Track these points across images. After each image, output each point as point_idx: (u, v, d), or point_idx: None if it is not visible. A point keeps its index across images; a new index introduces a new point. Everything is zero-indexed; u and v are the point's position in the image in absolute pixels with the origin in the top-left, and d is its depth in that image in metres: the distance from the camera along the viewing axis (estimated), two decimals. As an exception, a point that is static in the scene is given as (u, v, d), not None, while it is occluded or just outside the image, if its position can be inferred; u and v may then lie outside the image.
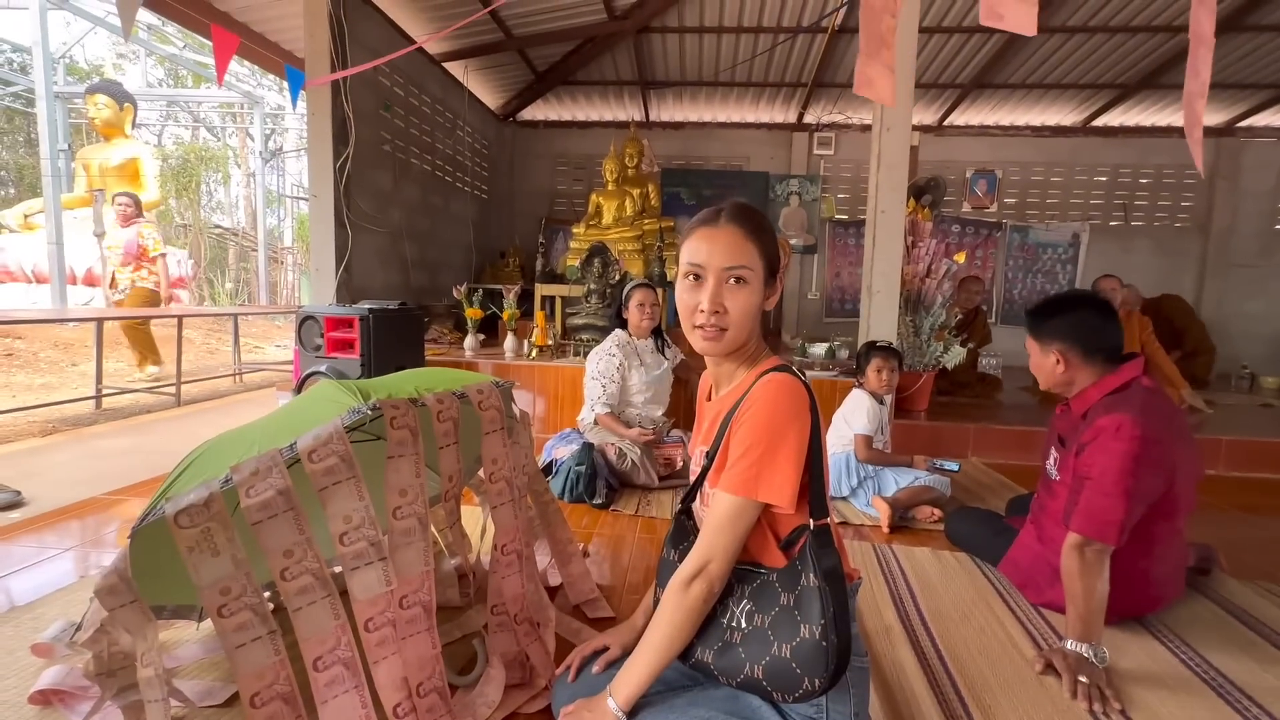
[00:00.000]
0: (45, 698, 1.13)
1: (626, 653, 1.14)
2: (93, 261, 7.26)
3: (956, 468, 2.39)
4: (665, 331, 2.84)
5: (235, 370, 5.35)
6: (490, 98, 6.06)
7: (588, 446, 2.40)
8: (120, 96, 8.64)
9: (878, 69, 1.49)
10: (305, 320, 2.77)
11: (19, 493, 2.24)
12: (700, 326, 0.97)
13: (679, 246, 1.04)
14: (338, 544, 0.97)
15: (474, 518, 1.86)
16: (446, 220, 5.19)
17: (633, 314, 2.72)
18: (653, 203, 4.85)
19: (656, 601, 1.05)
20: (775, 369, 0.96)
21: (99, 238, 6.98)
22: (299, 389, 2.80)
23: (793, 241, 6.40)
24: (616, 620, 1.51)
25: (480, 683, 1.19)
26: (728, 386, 1.04)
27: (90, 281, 7.36)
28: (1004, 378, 4.30)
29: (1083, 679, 1.26)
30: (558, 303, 4.01)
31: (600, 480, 2.35)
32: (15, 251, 7.37)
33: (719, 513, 0.92)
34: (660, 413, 2.79)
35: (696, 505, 1.06)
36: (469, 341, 3.64)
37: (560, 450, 2.51)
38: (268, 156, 11.76)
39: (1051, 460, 1.65)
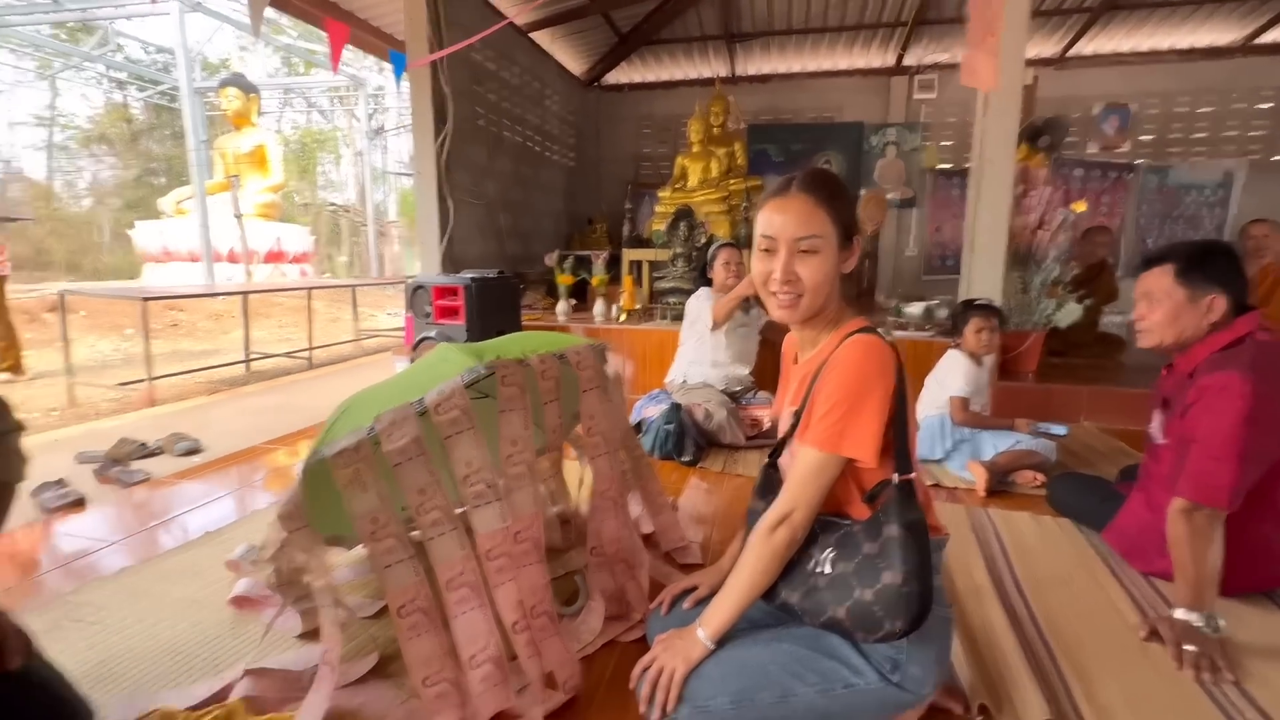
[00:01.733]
0: (240, 603, 1.40)
1: (714, 592, 1.23)
2: (233, 241, 8.15)
3: (1064, 432, 2.27)
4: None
5: (355, 337, 5.91)
6: (575, 64, 6.11)
7: (676, 406, 2.50)
8: (247, 88, 9.49)
9: (982, 58, 1.42)
10: (416, 290, 3.02)
11: (198, 441, 2.65)
12: (775, 294, 1.01)
13: (754, 218, 1.07)
14: (461, 486, 1.12)
15: (572, 470, 2.02)
16: (537, 190, 5.36)
17: (718, 273, 2.76)
18: (739, 162, 4.76)
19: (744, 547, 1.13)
20: (860, 330, 0.99)
21: (238, 219, 7.81)
22: (413, 355, 3.07)
23: (889, 196, 6.06)
24: (704, 566, 1.61)
25: (583, 613, 1.34)
26: (812, 350, 1.07)
27: (233, 259, 8.28)
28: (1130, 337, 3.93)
29: (1190, 647, 1.22)
30: (644, 267, 4.08)
31: (688, 438, 2.44)
32: (172, 235, 8.40)
33: (804, 466, 0.97)
34: (746, 371, 2.84)
35: (783, 459, 1.12)
36: (561, 307, 3.81)
37: (649, 410, 2.63)
38: (372, 136, 12.53)
39: (1156, 424, 1.55)
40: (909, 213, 6.22)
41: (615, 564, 1.38)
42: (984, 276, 3.01)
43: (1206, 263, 1.41)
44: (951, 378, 2.34)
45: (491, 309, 2.99)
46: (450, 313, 2.93)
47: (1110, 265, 4.22)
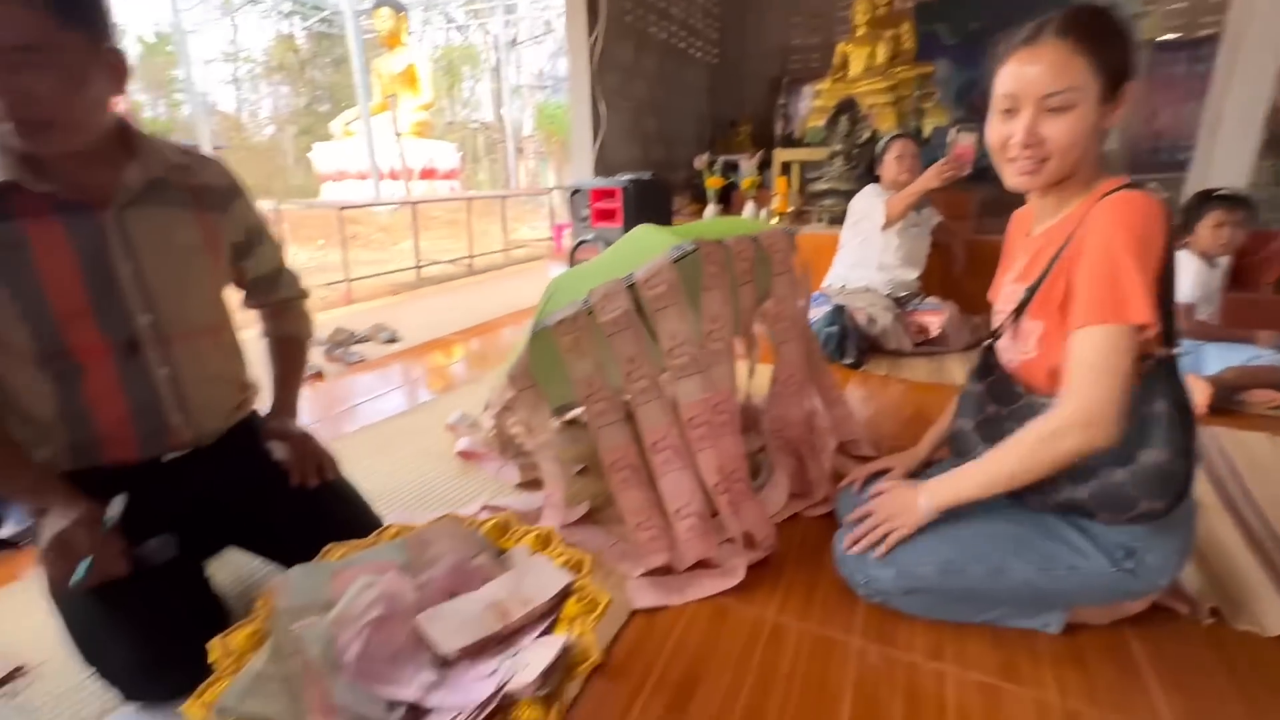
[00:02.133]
0: (465, 456, 1.62)
1: (909, 474, 1.23)
2: (394, 159, 8.78)
3: (1322, 346, 1.92)
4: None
5: (504, 247, 6.26)
6: (721, -53, 5.64)
7: (838, 308, 2.42)
8: (397, 7, 9.86)
9: None
10: (575, 193, 3.11)
11: (395, 331, 3.02)
12: (1013, 160, 0.90)
13: (993, 74, 0.94)
14: (666, 358, 1.18)
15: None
16: (680, 91, 5.17)
17: (889, 168, 2.55)
18: (906, 46, 4.24)
19: (956, 434, 1.09)
20: (1122, 186, 0.88)
21: (398, 138, 8.36)
22: (572, 258, 3.21)
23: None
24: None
25: (767, 488, 1.40)
26: (1054, 218, 0.97)
27: (394, 176, 8.95)
28: None
29: None
30: (795, 168, 3.86)
31: (850, 341, 2.38)
32: (343, 155, 9.21)
33: (1088, 354, 0.82)
34: (913, 275, 2.66)
35: (1003, 342, 1.05)
36: (709, 211, 3.75)
37: (811, 312, 2.57)
38: (507, 48, 12.64)
39: None
40: (1112, 99, 5.24)
41: (800, 445, 1.42)
42: (1228, 165, 2.51)
43: None
44: (1178, 279, 2.03)
45: (646, 211, 3.02)
46: (607, 215, 3.00)
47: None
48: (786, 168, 3.78)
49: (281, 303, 1.21)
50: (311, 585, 0.74)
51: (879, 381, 2.23)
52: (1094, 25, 0.85)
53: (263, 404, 1.19)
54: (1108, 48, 0.85)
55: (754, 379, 1.81)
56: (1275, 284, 2.69)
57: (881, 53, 4.04)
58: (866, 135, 3.39)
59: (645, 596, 1.08)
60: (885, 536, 1.01)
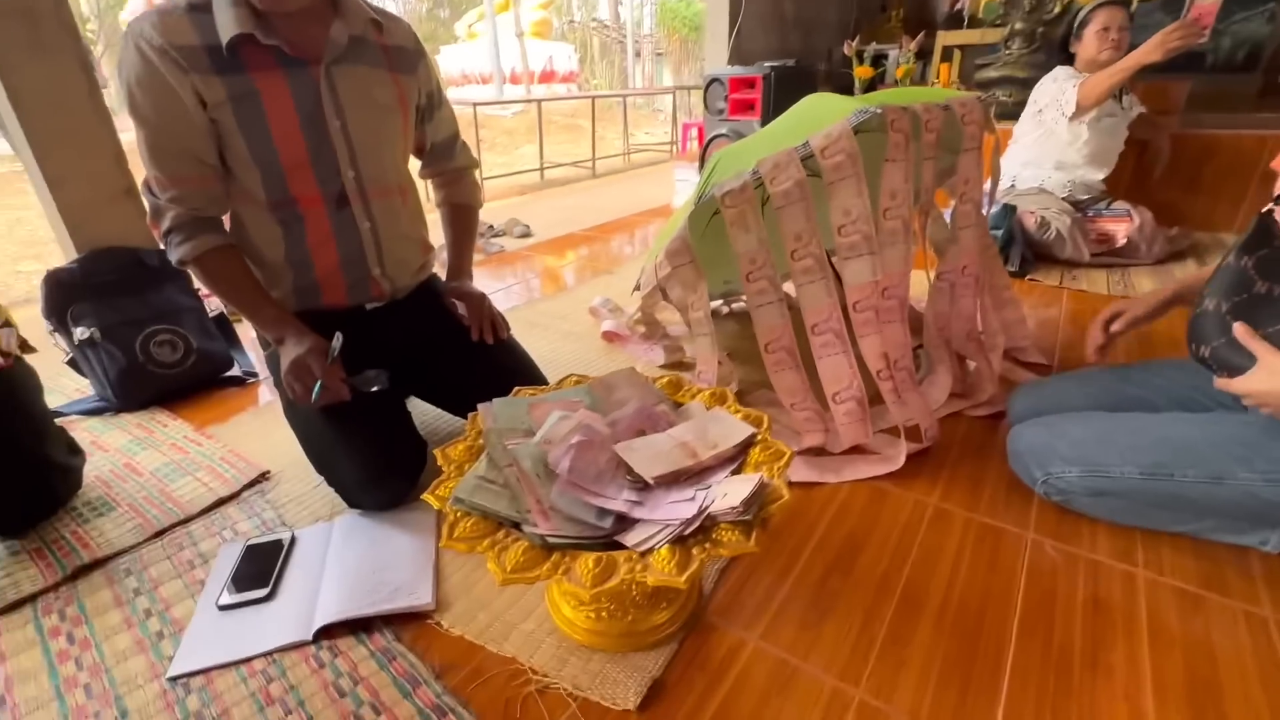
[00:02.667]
0: (609, 337, 1.68)
1: (1149, 313, 1.07)
2: (514, 61, 8.75)
3: None
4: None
5: (625, 150, 6.15)
6: None
7: (1007, 208, 2.17)
8: (520, -102, 9.44)
9: None
10: (711, 83, 2.94)
11: (529, 226, 3.11)
12: None
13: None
14: (836, 235, 1.12)
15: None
16: (824, -30, 4.63)
17: (1088, 44, 2.16)
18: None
19: (1200, 316, 0.91)
20: None
21: (519, 38, 8.28)
22: (704, 155, 3.08)
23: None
24: (1050, 368, 1.48)
25: (925, 383, 1.33)
26: None
27: (515, 80, 8.95)
28: None
29: None
30: (958, 55, 3.40)
31: (1015, 246, 2.14)
32: (467, 58, 9.29)
33: None
34: (1100, 177, 2.31)
35: None
36: (853, 106, 3.43)
37: (969, 214, 2.33)
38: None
39: None
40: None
41: (966, 343, 1.32)
42: None
43: None
44: None
45: (788, 102, 2.80)
46: (746, 107, 2.83)
47: None
48: (949, 53, 3.33)
49: (456, 171, 1.26)
50: (513, 414, 0.80)
51: (1049, 292, 2.01)
52: None
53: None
54: None
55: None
56: None
57: (1086, -95, 3.33)
58: (1057, 8, 2.89)
59: (801, 472, 1.09)
60: None
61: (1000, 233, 2.13)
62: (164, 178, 0.93)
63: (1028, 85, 2.51)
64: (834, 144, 1.08)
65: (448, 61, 9.66)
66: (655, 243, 1.44)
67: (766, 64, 2.79)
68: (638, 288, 1.47)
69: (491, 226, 3.06)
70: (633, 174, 5.28)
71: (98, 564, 0.94)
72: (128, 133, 1.04)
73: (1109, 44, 2.11)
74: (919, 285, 1.49)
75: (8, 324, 1.00)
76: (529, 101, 5.19)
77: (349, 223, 1.04)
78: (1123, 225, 2.23)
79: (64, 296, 1.33)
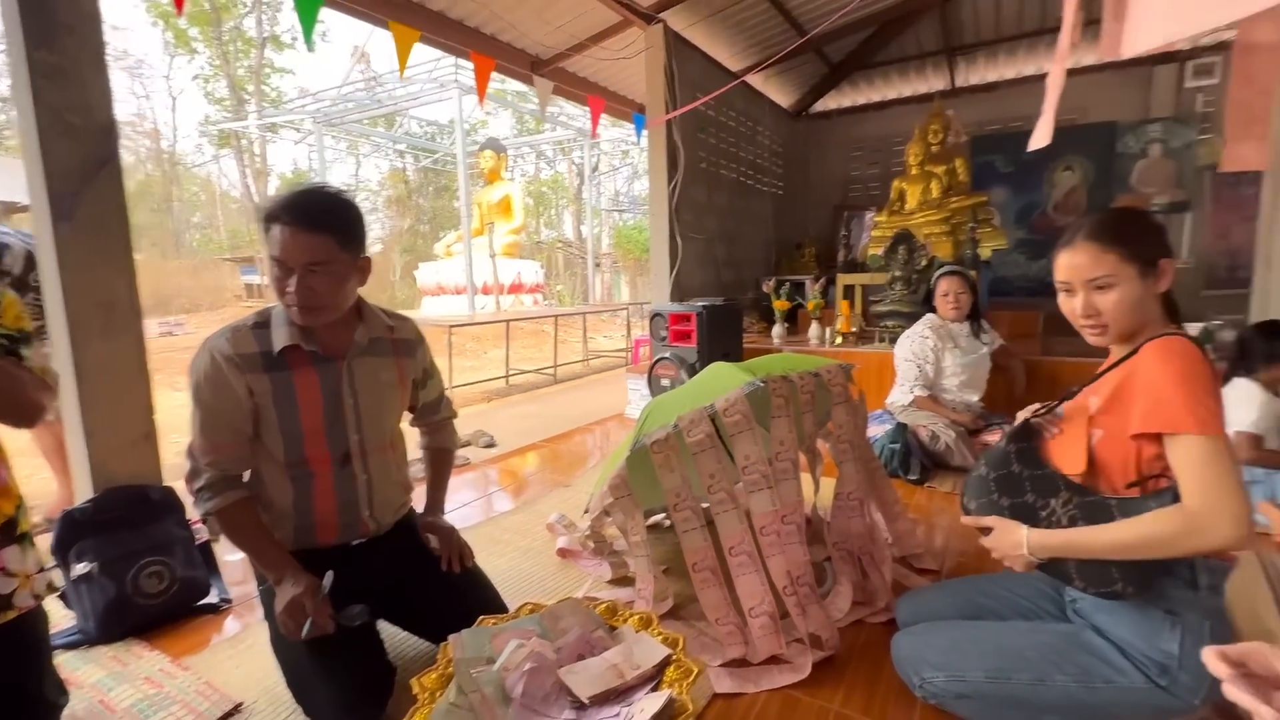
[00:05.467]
0: (563, 553, 1.87)
1: None
2: (486, 276, 9.80)
3: (1402, 477, 1.91)
4: (982, 315, 2.81)
5: (585, 357, 6.78)
6: (784, 97, 6.38)
7: (900, 426, 2.59)
8: (499, 149, 11.38)
9: (1250, 146, 1.40)
10: (654, 317, 3.50)
11: (493, 436, 3.40)
12: (1084, 326, 1.11)
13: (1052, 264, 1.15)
14: (742, 474, 1.43)
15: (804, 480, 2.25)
16: (748, 220, 5.70)
17: (939, 303, 2.77)
18: (961, 179, 4.58)
19: (974, 478, 1.20)
20: (1166, 333, 1.05)
21: (492, 259, 9.38)
22: (650, 372, 3.54)
23: (1155, 200, 5.28)
24: (940, 574, 1.73)
25: (832, 595, 1.56)
26: (1117, 355, 1.14)
27: (486, 291, 9.92)
28: None
29: None
30: (858, 291, 4.15)
31: (914, 458, 2.52)
32: (444, 273, 10.35)
33: (1198, 462, 0.93)
34: (976, 398, 2.79)
35: (1054, 423, 1.19)
36: (776, 330, 4.06)
37: (873, 429, 2.74)
38: (590, 176, 14.10)
39: None
40: (1180, 218, 5.33)
41: (860, 556, 1.58)
42: (1285, 294, 2.60)
43: None
44: (1241, 410, 2.10)
45: (718, 333, 3.35)
46: (684, 336, 3.35)
47: None
48: (849, 291, 4.07)
49: (439, 421, 1.56)
50: (478, 642, 0.99)
51: (944, 498, 2.34)
52: (1118, 228, 1.07)
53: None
54: (1134, 241, 1.06)
55: (820, 493, 2.00)
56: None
57: (936, 187, 4.39)
58: (924, 263, 3.67)
59: (724, 683, 1.26)
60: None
61: (898, 446, 2.52)
62: (207, 445, 1.19)
63: (912, 318, 3.11)
64: (732, 406, 1.43)
65: (425, 275, 10.73)
66: (601, 472, 1.72)
67: (699, 303, 3.38)
68: (587, 510, 1.72)
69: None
70: (591, 379, 5.79)
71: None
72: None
73: (950, 305, 2.71)
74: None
75: (42, 568, 1.16)
76: (497, 322, 5.81)
77: (349, 476, 1.29)
78: (997, 435, 2.66)
79: (74, 534, 1.49)
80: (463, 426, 3.61)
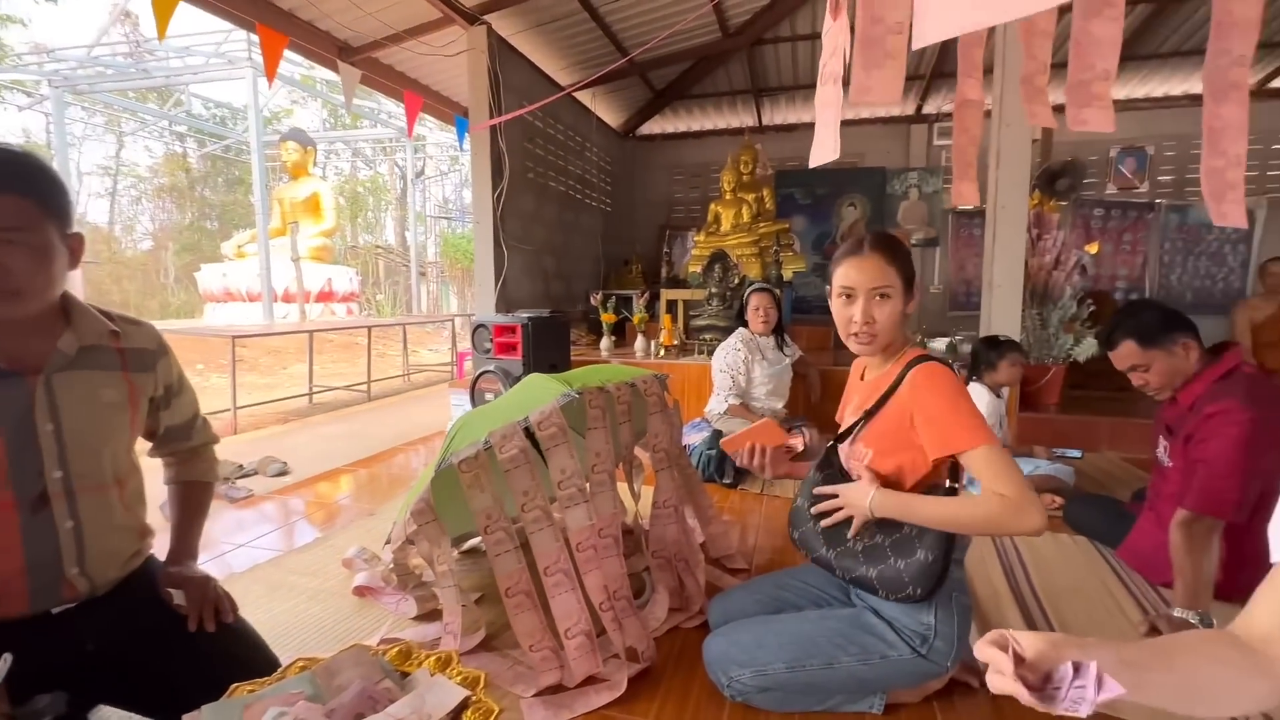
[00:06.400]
0: (361, 591, 1.65)
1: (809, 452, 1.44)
2: (289, 281, 8.72)
3: (1078, 455, 2.44)
4: (785, 330, 3.09)
5: (405, 372, 6.27)
6: (613, 117, 6.56)
7: (716, 433, 2.73)
8: (305, 141, 10.22)
9: (967, 185, 1.72)
10: (478, 328, 3.33)
11: (285, 463, 2.96)
12: (855, 334, 1.21)
13: (831, 271, 1.26)
14: (556, 489, 1.37)
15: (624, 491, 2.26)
16: (577, 234, 5.74)
17: (750, 316, 3.01)
18: (768, 206, 5.07)
19: (795, 510, 1.33)
20: (924, 358, 1.19)
21: (295, 262, 8.37)
22: (473, 386, 3.36)
23: (913, 236, 6.31)
24: (750, 572, 1.83)
25: (650, 605, 1.56)
26: (878, 371, 1.28)
27: (288, 299, 8.82)
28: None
29: (1185, 639, 1.39)
30: (680, 306, 4.37)
31: (728, 463, 2.66)
32: (234, 277, 9.00)
33: (995, 467, 1.06)
34: (780, 405, 3.05)
35: (844, 446, 1.31)
36: (604, 343, 4.10)
37: (691, 437, 2.86)
38: (414, 180, 13.28)
39: (1162, 449, 1.73)
40: (932, 251, 6.44)
41: (676, 563, 1.61)
42: (1003, 313, 3.21)
43: (1153, 324, 1.62)
44: (974, 408, 2.53)
45: (544, 345, 3.28)
46: (509, 349, 3.23)
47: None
48: (672, 306, 4.26)
49: (191, 450, 1.29)
50: (225, 719, 0.81)
51: (754, 499, 2.50)
52: (895, 245, 1.22)
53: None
54: (905, 263, 1.21)
55: (640, 503, 2.01)
56: (1055, 405, 3.36)
57: (746, 212, 4.80)
58: (737, 281, 3.97)
59: (537, 713, 1.18)
60: (833, 516, 1.23)
61: (714, 452, 2.65)
62: None
63: (727, 331, 3.32)
64: (547, 419, 1.37)
65: (210, 279, 9.22)
66: (406, 497, 1.56)
67: (525, 314, 3.28)
68: (389, 540, 1.54)
69: (241, 466, 2.85)
70: (412, 395, 5.37)
71: None
72: None
73: (760, 318, 2.95)
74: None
75: None
76: (298, 332, 5.15)
77: (45, 525, 1.00)
78: (799, 439, 2.92)
79: None
80: (249, 451, 3.11)
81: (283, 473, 2.89)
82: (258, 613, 1.55)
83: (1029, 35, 1.70)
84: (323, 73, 9.72)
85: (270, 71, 2.62)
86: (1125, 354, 1.66)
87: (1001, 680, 0.54)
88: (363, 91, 12.02)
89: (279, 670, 0.96)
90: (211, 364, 6.63)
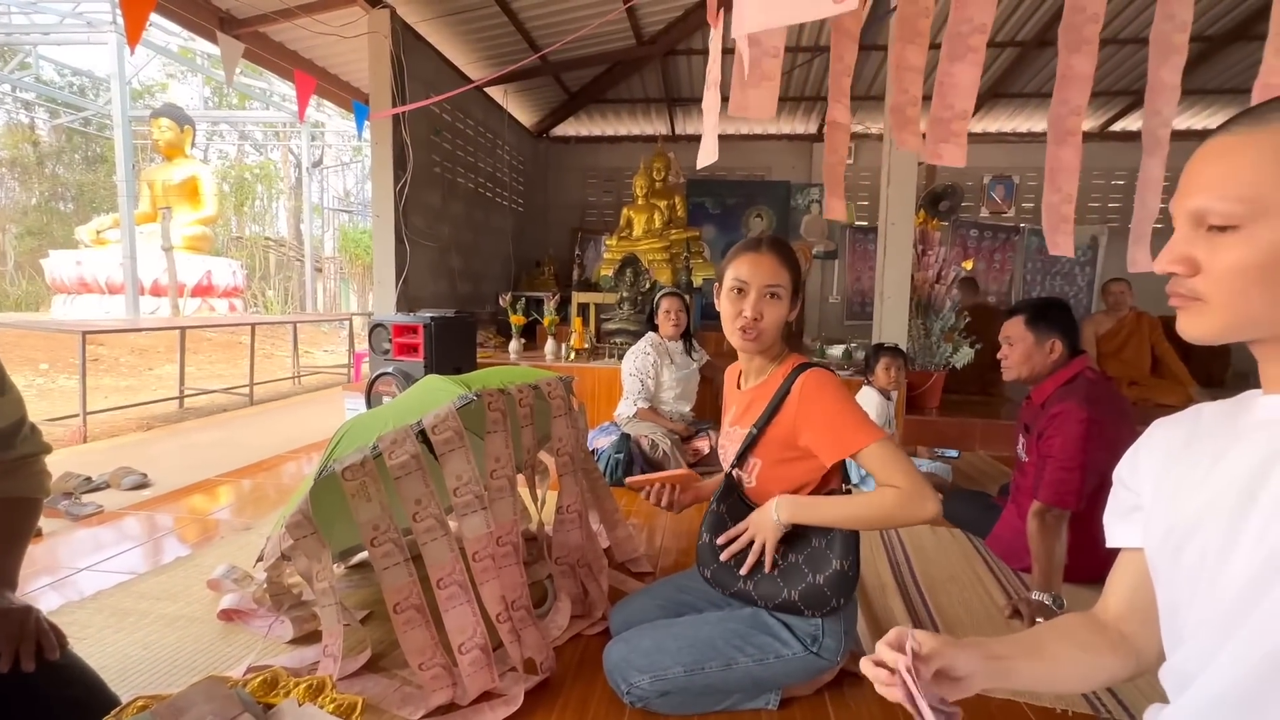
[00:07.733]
0: (228, 615, 1.49)
1: (695, 495, 1.44)
2: (159, 273, 7.88)
3: (956, 455, 2.65)
4: (693, 335, 3.15)
5: (295, 374, 5.82)
6: (526, 117, 6.45)
7: (625, 437, 2.73)
8: (181, 119, 9.31)
9: (836, 201, 1.85)
10: (376, 327, 3.15)
11: (145, 475, 2.64)
12: (742, 329, 1.22)
13: (725, 267, 1.28)
14: (452, 496, 1.30)
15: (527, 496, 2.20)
16: (488, 233, 5.57)
17: (661, 320, 3.04)
18: (679, 214, 5.16)
19: (701, 546, 1.32)
20: (808, 364, 1.23)
21: (166, 252, 7.57)
22: (369, 390, 3.17)
23: (814, 248, 6.65)
24: (655, 575, 1.83)
25: (551, 613, 1.52)
26: (758, 379, 1.30)
27: (157, 292, 7.97)
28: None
29: (1040, 619, 1.53)
30: (592, 309, 4.34)
31: (636, 466, 2.67)
32: (91, 265, 8.01)
33: (888, 462, 1.10)
34: (688, 408, 3.10)
35: (743, 470, 1.31)
36: (513, 345, 4.00)
37: (600, 440, 2.84)
38: (310, 169, 12.40)
39: (1020, 445, 1.91)
40: (831, 264, 6.82)
41: (579, 569, 1.57)
42: (892, 323, 3.45)
43: (1049, 314, 1.81)
44: (868, 412, 2.69)
45: (449, 347, 3.15)
46: (409, 350, 3.07)
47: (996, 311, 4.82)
48: (583, 309, 4.23)
49: (13, 462, 1.11)
50: (32, 778, 0.69)
51: (661, 501, 2.51)
52: (788, 250, 1.25)
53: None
54: (794, 266, 1.24)
55: (544, 508, 1.96)
56: (936, 409, 3.64)
57: (658, 218, 4.86)
58: (647, 286, 4.00)
59: (425, 738, 1.11)
60: (751, 553, 1.22)
61: (622, 455, 2.65)
62: None
63: (638, 335, 3.33)
64: (443, 423, 1.30)
65: (60, 266, 8.14)
66: (283, 510, 1.43)
67: (428, 313, 3.14)
68: (261, 557, 1.40)
69: (89, 479, 2.51)
70: (303, 399, 4.98)
71: None
72: None
73: (671, 321, 2.99)
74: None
75: None
76: (167, 328, 4.64)
77: None
78: (705, 441, 2.98)
79: None
80: (99, 463, 2.75)
81: (141, 485, 2.58)
82: (98, 646, 1.36)
83: (899, 70, 1.83)
84: (205, 45, 8.84)
85: (132, 36, 2.33)
86: (1012, 323, 1.83)
87: (891, 691, 0.56)
88: (252, 70, 11.10)
89: (113, 712, 0.83)
90: (60, 363, 5.83)
